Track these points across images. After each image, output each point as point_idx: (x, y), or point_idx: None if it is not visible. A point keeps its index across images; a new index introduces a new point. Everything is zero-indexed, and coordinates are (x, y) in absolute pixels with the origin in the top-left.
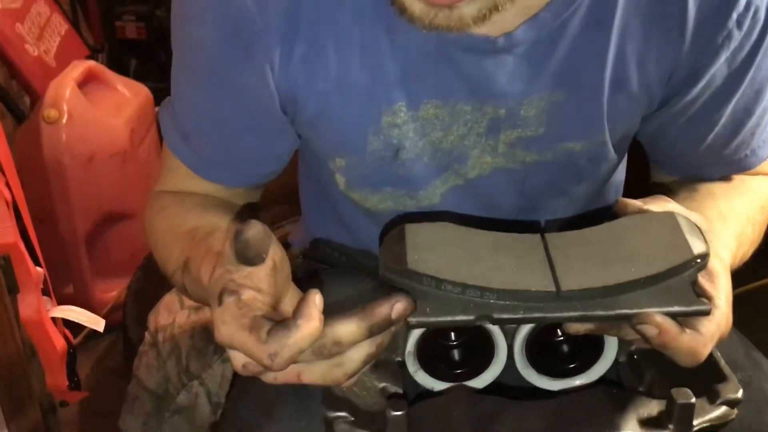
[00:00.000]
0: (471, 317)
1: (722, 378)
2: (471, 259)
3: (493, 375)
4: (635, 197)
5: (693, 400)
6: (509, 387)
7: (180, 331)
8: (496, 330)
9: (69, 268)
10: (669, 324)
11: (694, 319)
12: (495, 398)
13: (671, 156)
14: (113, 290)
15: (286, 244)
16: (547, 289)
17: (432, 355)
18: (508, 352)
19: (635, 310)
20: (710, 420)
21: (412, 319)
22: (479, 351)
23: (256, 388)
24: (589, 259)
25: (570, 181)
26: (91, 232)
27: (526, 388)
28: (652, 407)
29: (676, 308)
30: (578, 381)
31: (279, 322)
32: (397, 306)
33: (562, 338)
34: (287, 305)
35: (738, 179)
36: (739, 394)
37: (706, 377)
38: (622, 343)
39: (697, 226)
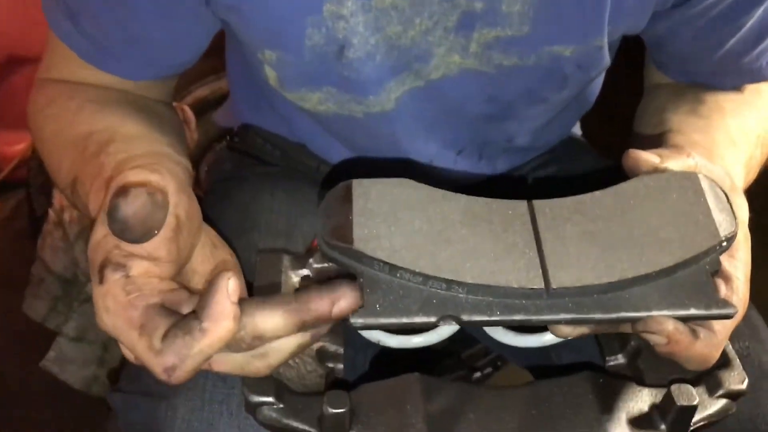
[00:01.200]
0: (432, 318)
1: (725, 363)
2: (436, 235)
3: (451, 329)
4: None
5: (696, 401)
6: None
7: None
8: None
9: None
10: (681, 333)
11: None
12: (457, 386)
13: (680, 60)
14: (19, 143)
15: (208, 106)
16: (533, 286)
17: None
18: None
19: (641, 313)
20: (708, 417)
21: (357, 320)
22: None
23: None
24: (588, 241)
25: (551, 88)
26: None
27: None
28: (644, 400)
29: (692, 311)
30: (549, 337)
31: (179, 320)
32: (340, 304)
33: None
34: (198, 261)
35: (751, 90)
36: (744, 385)
37: None
38: None
39: (722, 191)
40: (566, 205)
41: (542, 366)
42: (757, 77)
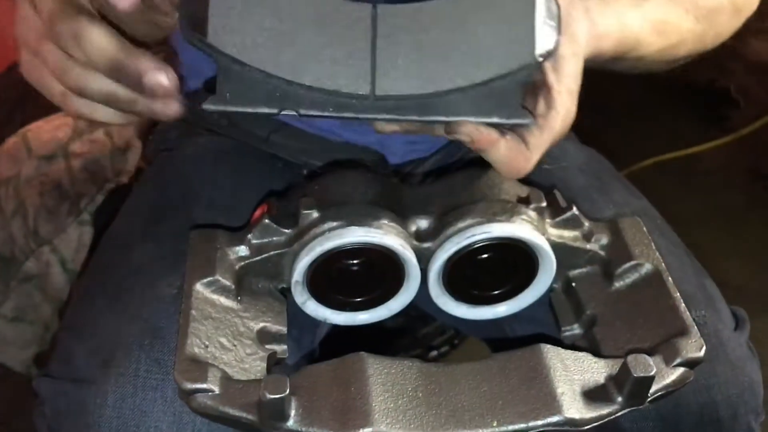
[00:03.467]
0: (275, 110)
1: (682, 330)
2: (284, 35)
3: (401, 304)
4: None
5: (653, 372)
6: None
7: (27, 186)
8: (406, 252)
9: None
10: (482, 132)
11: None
12: (406, 363)
13: None
14: None
15: None
16: (359, 92)
17: (325, 279)
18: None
19: (450, 118)
20: (665, 387)
21: (209, 105)
22: (385, 276)
23: (90, 324)
24: (418, 51)
25: None
26: None
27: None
28: (600, 372)
29: (494, 119)
30: (503, 308)
31: None
32: (156, 77)
33: (488, 259)
34: None
35: None
36: (702, 352)
37: (659, 320)
38: (560, 269)
39: (557, 3)
40: (407, 13)
41: (498, 339)
42: None
